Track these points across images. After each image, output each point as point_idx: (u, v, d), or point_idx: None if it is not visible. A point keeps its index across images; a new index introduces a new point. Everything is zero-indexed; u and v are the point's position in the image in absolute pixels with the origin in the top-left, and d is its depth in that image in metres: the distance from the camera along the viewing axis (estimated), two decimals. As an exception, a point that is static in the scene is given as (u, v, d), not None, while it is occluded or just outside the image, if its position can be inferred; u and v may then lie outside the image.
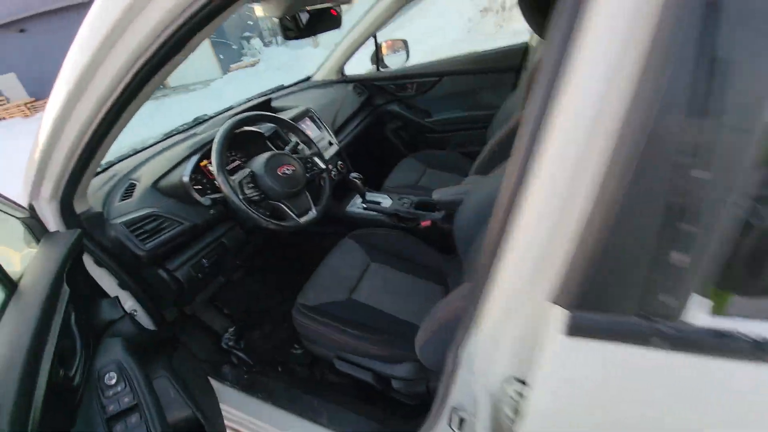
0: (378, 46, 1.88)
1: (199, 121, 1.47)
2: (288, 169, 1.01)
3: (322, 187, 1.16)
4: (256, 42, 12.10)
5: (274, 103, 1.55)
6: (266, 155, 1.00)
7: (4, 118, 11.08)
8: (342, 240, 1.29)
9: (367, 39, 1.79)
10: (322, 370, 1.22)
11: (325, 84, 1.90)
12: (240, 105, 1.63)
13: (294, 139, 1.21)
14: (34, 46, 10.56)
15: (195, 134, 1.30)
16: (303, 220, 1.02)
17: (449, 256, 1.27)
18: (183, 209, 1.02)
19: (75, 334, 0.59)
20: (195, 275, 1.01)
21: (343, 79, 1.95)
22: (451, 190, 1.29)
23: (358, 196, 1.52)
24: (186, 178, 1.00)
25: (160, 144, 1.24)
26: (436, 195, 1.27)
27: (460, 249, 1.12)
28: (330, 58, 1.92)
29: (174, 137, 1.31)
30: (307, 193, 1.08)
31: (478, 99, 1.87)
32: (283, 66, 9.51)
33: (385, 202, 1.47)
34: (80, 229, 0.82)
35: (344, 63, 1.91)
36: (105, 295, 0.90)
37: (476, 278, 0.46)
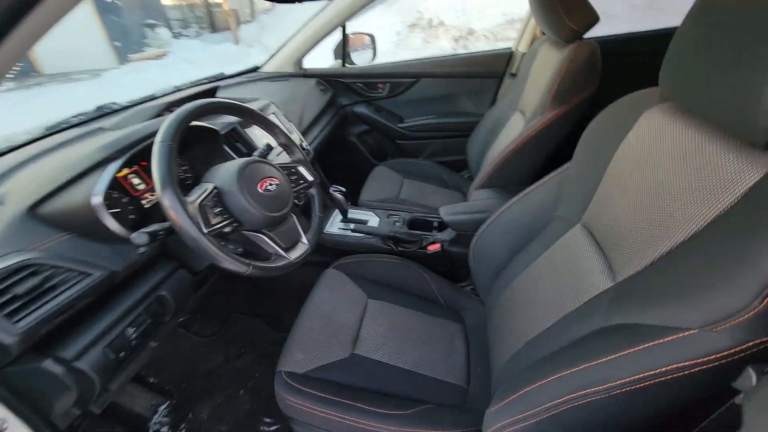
0: (345, 39, 1.62)
1: (104, 112, 1.02)
2: (271, 184, 0.69)
3: (310, 206, 0.86)
4: (163, 32, 10.53)
5: (220, 93, 1.18)
6: (237, 163, 0.66)
7: None
8: (325, 272, 1.00)
9: (333, 29, 1.52)
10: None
11: (280, 76, 1.56)
12: (167, 94, 1.21)
13: (264, 141, 0.88)
14: None
15: (101, 129, 0.87)
16: (294, 256, 0.71)
17: (459, 285, 1.07)
18: (89, 250, 0.62)
19: None
20: (113, 358, 0.62)
21: (303, 73, 1.63)
22: (460, 207, 1.10)
23: (337, 214, 1.23)
24: (98, 199, 0.60)
25: (40, 142, 0.79)
26: (446, 214, 1.07)
27: (481, 278, 0.93)
28: (285, 47, 1.59)
29: (64, 133, 0.86)
30: (294, 217, 0.77)
31: (454, 105, 1.74)
32: (198, 61, 8.42)
33: (372, 220, 1.21)
34: None
35: (304, 55, 1.59)
36: None
37: None
